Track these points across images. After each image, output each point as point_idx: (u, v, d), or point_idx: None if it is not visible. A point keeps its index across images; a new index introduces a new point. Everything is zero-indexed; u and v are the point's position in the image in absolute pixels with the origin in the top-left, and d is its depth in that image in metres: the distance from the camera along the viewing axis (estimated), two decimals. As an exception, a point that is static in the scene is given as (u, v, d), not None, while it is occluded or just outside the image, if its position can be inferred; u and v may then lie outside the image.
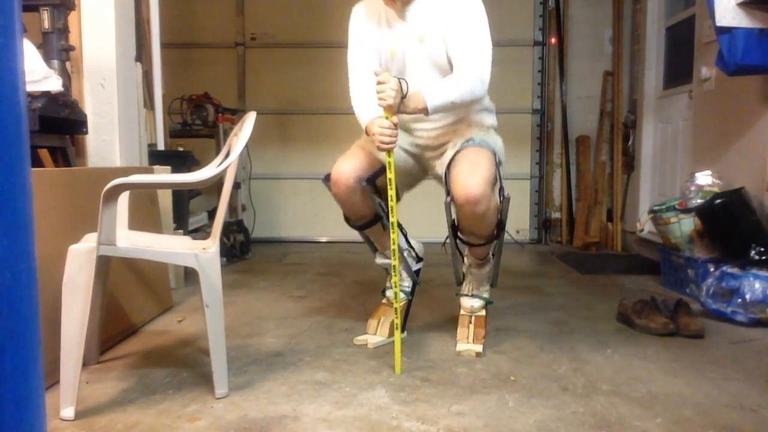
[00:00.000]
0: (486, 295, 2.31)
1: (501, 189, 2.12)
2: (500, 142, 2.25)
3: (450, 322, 2.44)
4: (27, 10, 2.48)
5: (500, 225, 2.13)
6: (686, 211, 3.07)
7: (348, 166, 2.11)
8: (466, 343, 2.18)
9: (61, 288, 1.61)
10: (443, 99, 1.97)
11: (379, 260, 2.37)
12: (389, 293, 2.34)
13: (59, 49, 2.62)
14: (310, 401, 1.73)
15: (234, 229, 4.19)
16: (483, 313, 2.28)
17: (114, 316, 2.22)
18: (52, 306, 1.63)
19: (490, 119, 2.26)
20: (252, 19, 5.13)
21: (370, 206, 2.16)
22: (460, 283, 2.34)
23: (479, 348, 2.15)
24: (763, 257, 2.63)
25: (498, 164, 2.11)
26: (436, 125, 2.17)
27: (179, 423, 1.58)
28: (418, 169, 2.32)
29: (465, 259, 2.31)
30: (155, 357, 2.13)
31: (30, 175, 0.88)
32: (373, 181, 2.12)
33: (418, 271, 2.40)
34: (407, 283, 2.35)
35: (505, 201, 2.10)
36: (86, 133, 2.79)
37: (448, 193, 2.04)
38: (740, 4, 2.63)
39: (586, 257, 4.36)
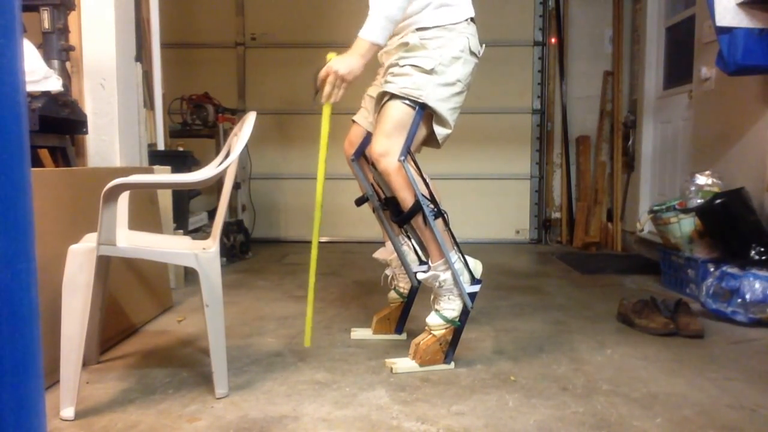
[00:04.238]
0: (448, 314, 1.98)
1: (406, 148, 1.93)
2: (434, 56, 1.92)
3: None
4: (27, 10, 2.49)
5: (416, 201, 1.93)
6: (686, 211, 3.07)
7: (347, 142, 2.24)
8: (408, 356, 2.01)
9: (61, 288, 1.61)
10: (375, 21, 1.87)
11: (376, 254, 2.38)
12: (390, 294, 2.35)
13: (59, 49, 2.62)
14: (310, 401, 1.72)
15: (234, 229, 4.19)
16: (439, 332, 1.98)
17: (114, 316, 2.22)
18: (52, 306, 1.63)
19: (424, 25, 1.96)
20: (252, 19, 5.13)
21: (361, 182, 2.22)
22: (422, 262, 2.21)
23: (406, 364, 1.97)
24: (763, 257, 2.63)
25: (420, 108, 1.93)
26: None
27: (179, 423, 1.58)
28: None
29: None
30: (155, 357, 2.13)
31: (30, 175, 0.88)
32: (360, 154, 2.16)
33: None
34: (403, 284, 2.33)
35: (404, 164, 1.93)
36: (86, 133, 2.79)
37: None
38: (740, 4, 2.63)
39: (586, 257, 4.36)
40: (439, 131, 2.01)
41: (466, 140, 4.87)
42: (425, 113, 1.97)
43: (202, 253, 1.71)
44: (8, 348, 0.83)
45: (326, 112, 1.99)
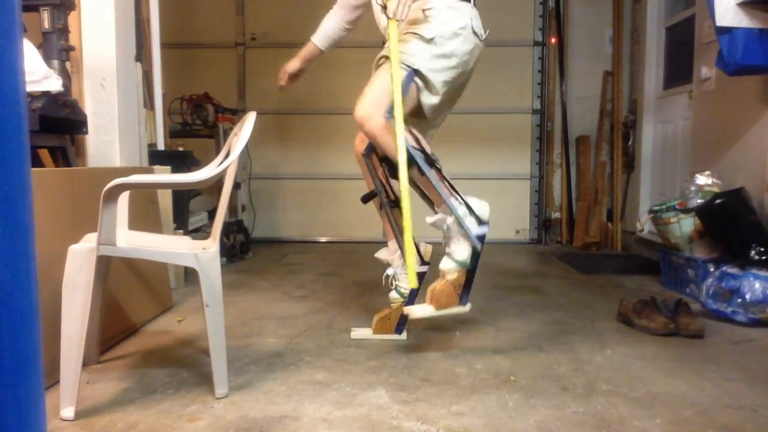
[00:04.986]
0: (458, 256, 2.05)
1: (390, 106, 1.98)
2: (435, 28, 2.02)
3: (451, 322, 2.44)
4: (27, 10, 2.48)
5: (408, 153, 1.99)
6: (686, 211, 3.07)
7: (359, 139, 2.29)
8: (422, 304, 2.07)
9: (61, 288, 1.61)
10: None
11: (378, 254, 2.37)
12: (391, 294, 2.34)
13: (59, 49, 2.62)
14: (310, 401, 1.72)
15: (234, 229, 4.19)
16: (452, 276, 2.05)
17: (114, 316, 2.22)
18: (52, 306, 1.63)
19: (430, 5, 2.06)
20: (252, 19, 5.13)
21: (370, 178, 2.23)
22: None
23: (423, 309, 2.04)
24: (763, 257, 2.63)
25: (411, 72, 2.00)
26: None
27: (179, 423, 1.58)
28: None
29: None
30: (155, 357, 2.13)
31: (30, 175, 0.88)
32: (372, 150, 2.19)
33: (421, 275, 2.24)
34: (404, 284, 2.32)
35: (390, 120, 1.98)
36: (86, 133, 2.79)
37: None
38: (740, 4, 2.63)
39: (586, 257, 4.36)
40: (427, 100, 2.07)
41: (466, 140, 4.87)
42: (414, 85, 2.02)
43: (202, 253, 1.71)
44: (8, 348, 0.83)
45: (393, 28, 2.00)
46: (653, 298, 2.54)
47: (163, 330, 2.46)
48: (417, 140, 2.05)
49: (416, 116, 2.14)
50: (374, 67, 2.14)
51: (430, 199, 2.15)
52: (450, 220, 2.05)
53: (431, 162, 2.05)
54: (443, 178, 2.07)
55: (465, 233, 2.04)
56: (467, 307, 2.08)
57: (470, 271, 2.06)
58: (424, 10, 2.04)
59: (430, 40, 2.00)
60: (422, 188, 2.13)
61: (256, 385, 1.84)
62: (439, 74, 2.04)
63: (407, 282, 2.30)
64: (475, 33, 2.09)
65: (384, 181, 2.22)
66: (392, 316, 2.32)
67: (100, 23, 2.92)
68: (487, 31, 2.13)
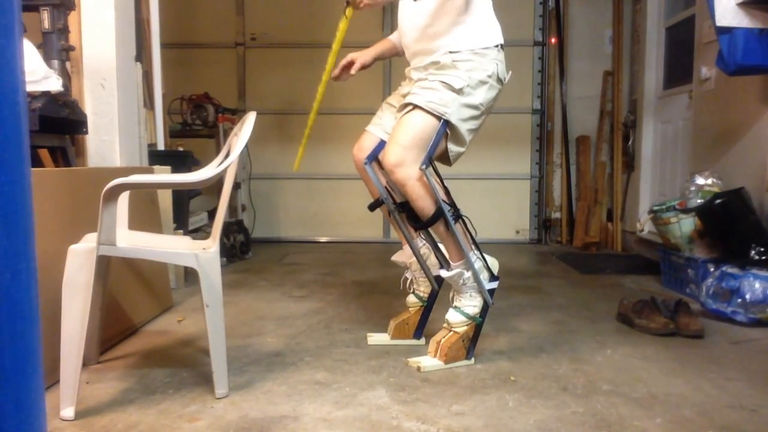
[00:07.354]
0: (470, 310, 2.03)
1: (427, 158, 1.93)
2: (463, 77, 1.96)
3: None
4: (27, 10, 2.49)
5: (438, 207, 1.95)
6: (686, 211, 3.07)
7: (357, 147, 2.22)
8: (428, 355, 2.04)
9: (61, 288, 1.61)
10: None
11: (395, 257, 2.32)
12: (409, 298, 2.30)
13: (59, 49, 2.62)
14: (310, 401, 1.73)
15: (234, 229, 4.19)
16: (461, 329, 2.03)
17: (114, 316, 2.22)
18: (52, 306, 1.63)
19: (456, 48, 2.00)
20: (252, 19, 5.13)
21: (374, 185, 2.18)
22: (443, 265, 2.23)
23: (431, 363, 2.00)
24: (763, 257, 2.63)
25: (444, 123, 1.95)
26: (420, 63, 2.08)
27: (179, 423, 1.58)
28: None
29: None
30: (155, 357, 2.13)
31: (30, 175, 0.88)
32: (373, 158, 2.15)
33: (441, 278, 2.19)
34: (423, 288, 2.27)
35: (426, 173, 1.93)
36: (86, 133, 2.79)
37: None
38: (740, 4, 2.63)
39: (586, 257, 4.36)
40: (454, 149, 2.04)
41: (466, 140, 4.86)
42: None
43: (202, 253, 1.71)
44: (8, 348, 0.83)
45: (349, 13, 2.03)
46: (653, 298, 2.54)
47: (163, 330, 2.46)
48: (446, 192, 2.01)
49: (440, 161, 2.10)
50: (397, 110, 2.08)
51: (441, 250, 2.10)
52: (467, 274, 2.01)
53: (458, 216, 2.00)
54: (467, 230, 2.03)
55: (479, 288, 2.03)
56: (472, 361, 2.05)
57: (479, 324, 2.05)
58: (450, 52, 1.98)
59: (459, 90, 1.95)
60: (437, 241, 2.08)
61: (256, 385, 1.84)
62: (467, 123, 2.00)
63: (426, 285, 2.27)
64: (499, 79, 2.04)
65: (388, 187, 2.16)
66: (410, 321, 2.27)
67: (100, 23, 2.92)
68: (509, 73, 2.07)
